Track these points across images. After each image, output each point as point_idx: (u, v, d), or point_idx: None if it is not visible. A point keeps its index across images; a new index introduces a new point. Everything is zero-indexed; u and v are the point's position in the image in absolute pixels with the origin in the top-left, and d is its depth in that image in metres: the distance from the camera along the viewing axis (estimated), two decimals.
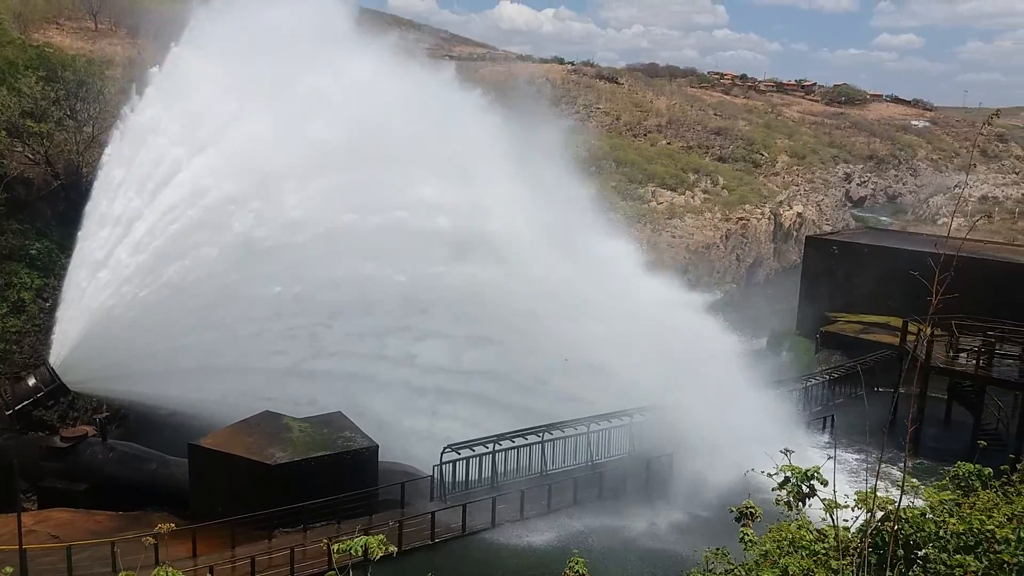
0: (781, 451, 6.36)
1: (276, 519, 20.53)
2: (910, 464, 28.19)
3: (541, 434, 24.00)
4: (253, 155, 24.87)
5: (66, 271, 26.44)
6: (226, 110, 25.26)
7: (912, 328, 31.86)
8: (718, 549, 6.92)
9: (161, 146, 25.85)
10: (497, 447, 23.44)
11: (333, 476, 21.29)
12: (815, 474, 6.17)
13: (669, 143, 79.79)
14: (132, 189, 25.78)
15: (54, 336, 25.31)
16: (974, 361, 30.37)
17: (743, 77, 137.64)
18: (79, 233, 25.94)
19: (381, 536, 4.59)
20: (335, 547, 4.64)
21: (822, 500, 6.23)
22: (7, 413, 24.46)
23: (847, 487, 6.58)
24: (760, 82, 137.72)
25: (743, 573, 6.50)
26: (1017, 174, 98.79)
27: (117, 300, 24.70)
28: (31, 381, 25.21)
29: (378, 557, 4.46)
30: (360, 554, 4.55)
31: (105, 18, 53.09)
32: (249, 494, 20.79)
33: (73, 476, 23.31)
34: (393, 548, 4.77)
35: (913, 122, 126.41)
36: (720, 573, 6.81)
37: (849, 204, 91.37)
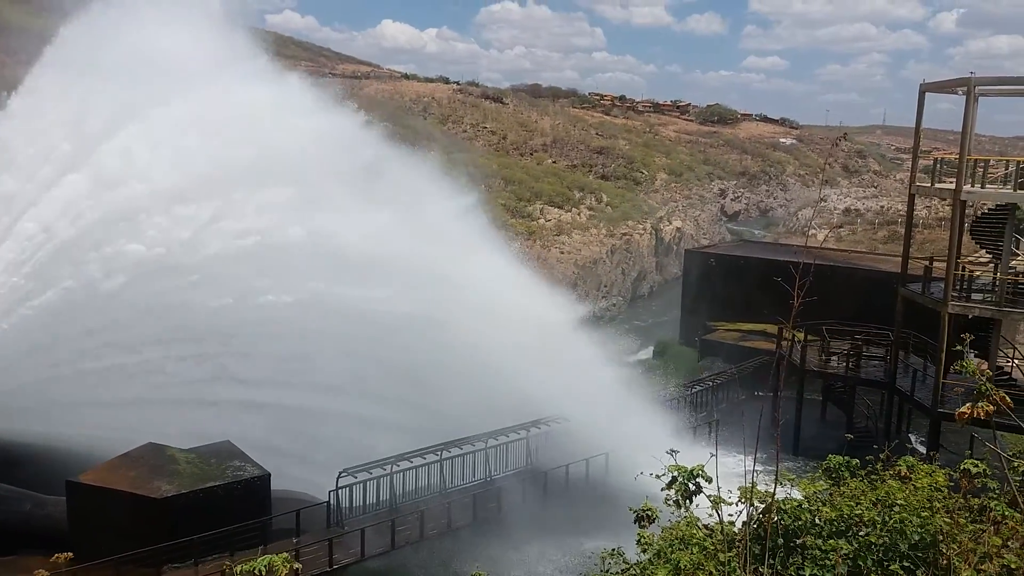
0: (667, 451, 6.72)
1: (165, 554, 19.69)
2: (791, 462, 29.68)
3: (439, 452, 23.98)
4: (126, 178, 24.08)
5: None
6: (93, 131, 24.40)
7: (786, 334, 33.63)
8: (614, 550, 7.21)
9: (25, 168, 24.68)
10: (395, 468, 23.26)
11: (224, 507, 20.59)
12: (699, 472, 6.54)
13: (555, 162, 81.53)
14: None
15: None
16: (844, 363, 32.38)
17: (622, 98, 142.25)
18: None
19: (285, 554, 4.60)
20: (237, 569, 4.61)
21: (708, 497, 6.62)
22: None
23: (733, 484, 7.00)
24: (638, 103, 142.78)
25: (638, 572, 6.81)
26: (875, 187, 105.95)
27: None
28: None
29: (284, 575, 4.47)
30: (264, 574, 4.55)
31: None
32: (135, 530, 19.86)
33: None
34: (298, 565, 4.78)
35: (781, 140, 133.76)
36: (616, 573, 7.09)
37: (724, 218, 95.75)
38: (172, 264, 23.97)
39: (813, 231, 67.10)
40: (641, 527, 7.18)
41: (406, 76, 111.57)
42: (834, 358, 32.95)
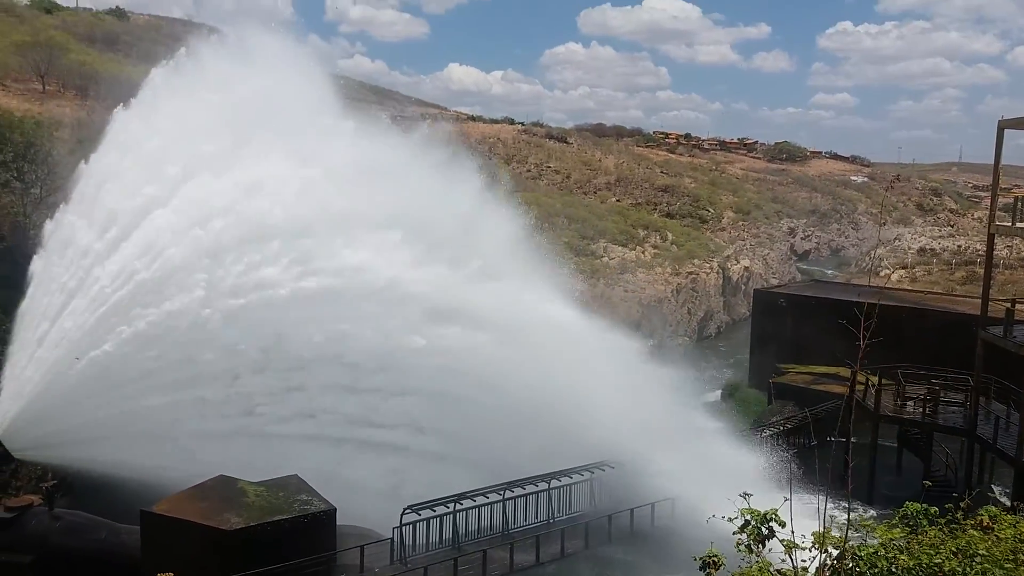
0: (741, 494, 6.60)
1: None
2: (865, 512, 28.66)
3: (502, 492, 23.89)
4: (209, 215, 24.87)
5: (10, 335, 25.79)
6: (188, 165, 25.31)
7: (860, 378, 32.65)
8: None
9: (113, 204, 25.66)
10: (458, 506, 23.24)
11: (291, 541, 20.87)
12: (773, 516, 6.41)
13: (619, 200, 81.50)
14: (81, 250, 25.49)
15: None
16: (921, 409, 31.23)
17: (687, 136, 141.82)
18: (24, 298, 25.44)
19: None
20: None
21: (781, 541, 6.47)
22: None
23: (805, 529, 6.84)
24: (704, 141, 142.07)
25: None
26: (952, 226, 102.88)
27: (64, 365, 24.18)
28: None
29: None
30: None
31: (53, 79, 52.83)
32: (205, 561, 20.24)
33: (17, 548, 22.44)
34: None
35: (852, 177, 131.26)
36: None
37: (794, 257, 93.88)
38: (242, 304, 24.52)
39: (886, 271, 65.37)
40: (707, 574, 7.05)
41: (472, 118, 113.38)
42: (910, 403, 31.82)
